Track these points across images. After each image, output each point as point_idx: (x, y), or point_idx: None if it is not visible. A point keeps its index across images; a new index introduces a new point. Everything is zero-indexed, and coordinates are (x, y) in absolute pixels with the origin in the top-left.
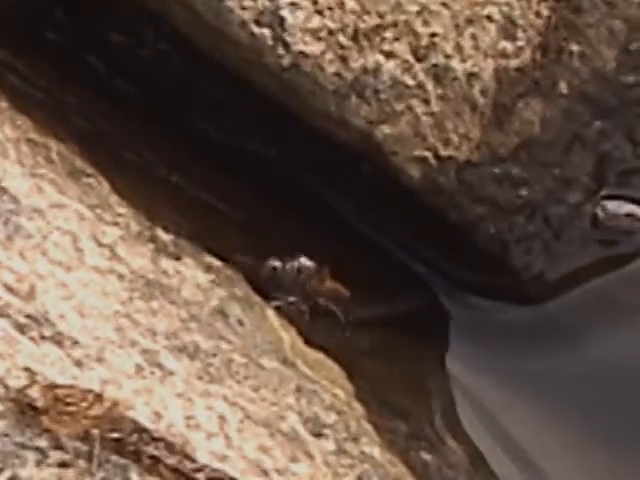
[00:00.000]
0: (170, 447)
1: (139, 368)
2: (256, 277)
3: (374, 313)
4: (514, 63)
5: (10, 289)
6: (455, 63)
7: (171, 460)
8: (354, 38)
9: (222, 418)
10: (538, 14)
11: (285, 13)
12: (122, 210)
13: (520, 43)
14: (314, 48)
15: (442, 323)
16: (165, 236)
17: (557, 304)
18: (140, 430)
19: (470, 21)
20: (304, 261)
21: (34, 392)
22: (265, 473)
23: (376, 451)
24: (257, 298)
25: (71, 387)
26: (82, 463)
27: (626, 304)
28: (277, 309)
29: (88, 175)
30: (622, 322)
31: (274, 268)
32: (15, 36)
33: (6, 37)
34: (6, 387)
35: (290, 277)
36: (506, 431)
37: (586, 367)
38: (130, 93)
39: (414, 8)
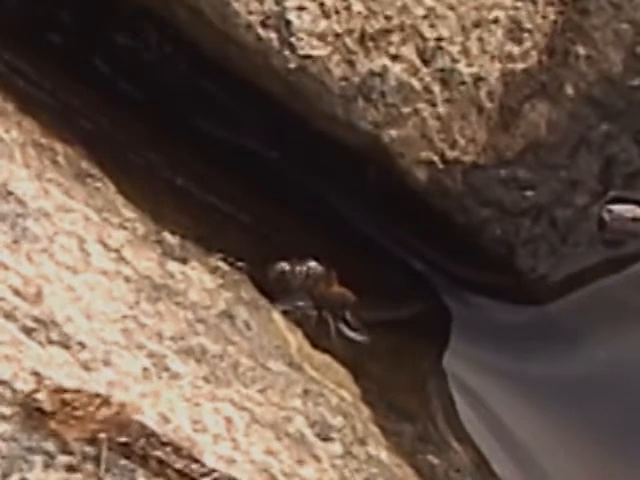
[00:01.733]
0: (177, 451)
1: (146, 371)
2: (264, 280)
3: (380, 316)
4: (521, 66)
5: (17, 292)
6: (462, 66)
7: (178, 464)
8: (361, 41)
9: (229, 421)
10: (544, 17)
11: (292, 16)
12: (128, 213)
13: (527, 46)
14: (321, 51)
15: (448, 324)
16: (171, 239)
17: (563, 306)
18: (148, 434)
19: (477, 24)
20: (313, 265)
21: (42, 396)
22: (272, 476)
23: (383, 454)
24: (263, 301)
25: (78, 391)
26: (90, 467)
27: (631, 306)
28: (284, 312)
29: (94, 178)
30: (627, 324)
31: (282, 271)
32: (20, 39)
33: (12, 40)
34: (14, 391)
35: (298, 281)
36: (510, 433)
37: (591, 369)
38: (135, 95)
39: (421, 11)
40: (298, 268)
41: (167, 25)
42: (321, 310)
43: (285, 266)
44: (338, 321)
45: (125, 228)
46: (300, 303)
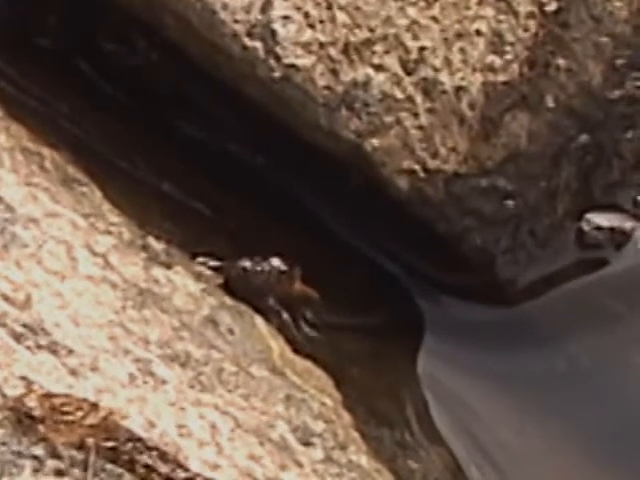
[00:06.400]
0: (163, 456)
1: (132, 377)
2: (227, 278)
3: (359, 320)
4: (502, 77)
5: (7, 298)
6: (444, 77)
7: (164, 469)
8: (345, 51)
9: (213, 427)
10: (526, 29)
11: (277, 26)
12: (115, 219)
13: (508, 57)
14: (305, 61)
15: (426, 328)
16: (157, 244)
17: (538, 307)
18: (134, 439)
19: (459, 35)
20: (275, 262)
21: (31, 401)
22: None
23: (363, 459)
24: (246, 307)
25: (67, 396)
26: (77, 472)
27: (604, 308)
28: (257, 311)
29: (81, 183)
30: (600, 325)
31: (244, 268)
32: (8, 44)
33: None
34: (4, 396)
35: (260, 278)
36: (487, 434)
37: (567, 370)
38: (122, 101)
39: (404, 22)
40: (260, 265)
41: (154, 31)
42: (289, 310)
43: (247, 263)
44: (311, 324)
45: (111, 233)
46: (265, 301)
